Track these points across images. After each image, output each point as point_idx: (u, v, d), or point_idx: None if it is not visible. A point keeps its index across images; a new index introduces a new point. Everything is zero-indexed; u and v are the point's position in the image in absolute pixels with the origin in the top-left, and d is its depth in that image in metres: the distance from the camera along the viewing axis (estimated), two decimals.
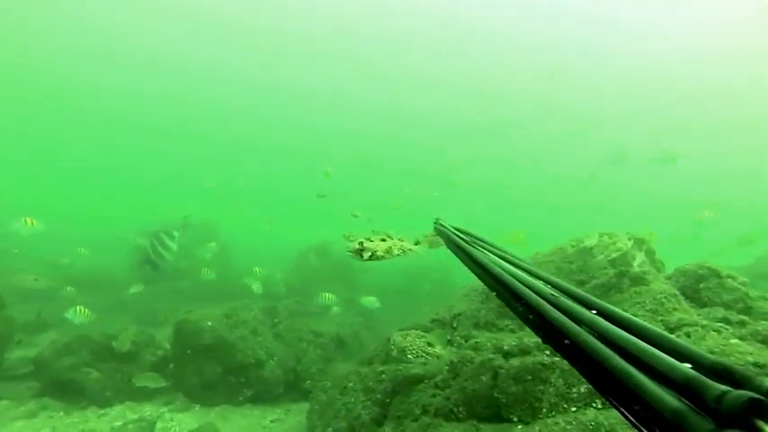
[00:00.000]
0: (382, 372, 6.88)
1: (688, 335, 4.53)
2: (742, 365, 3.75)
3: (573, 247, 7.00)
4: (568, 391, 4.65)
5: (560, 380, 4.72)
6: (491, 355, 5.34)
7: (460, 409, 5.13)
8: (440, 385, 5.58)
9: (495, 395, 4.95)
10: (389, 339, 6.88)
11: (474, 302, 7.82)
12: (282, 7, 44.85)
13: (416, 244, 5.21)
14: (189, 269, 14.54)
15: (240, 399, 8.92)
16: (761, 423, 0.74)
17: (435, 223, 3.17)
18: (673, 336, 1.14)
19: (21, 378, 8.59)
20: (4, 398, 8.13)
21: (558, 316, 1.28)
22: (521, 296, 1.48)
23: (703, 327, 4.57)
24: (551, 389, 4.70)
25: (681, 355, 1.01)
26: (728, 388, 0.81)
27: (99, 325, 9.16)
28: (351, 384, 7.34)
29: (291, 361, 9.57)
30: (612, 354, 1.06)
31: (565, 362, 4.77)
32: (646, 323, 1.20)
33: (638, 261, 6.11)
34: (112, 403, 8.33)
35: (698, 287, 5.70)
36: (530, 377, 4.83)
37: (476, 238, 2.58)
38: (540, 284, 1.55)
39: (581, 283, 6.37)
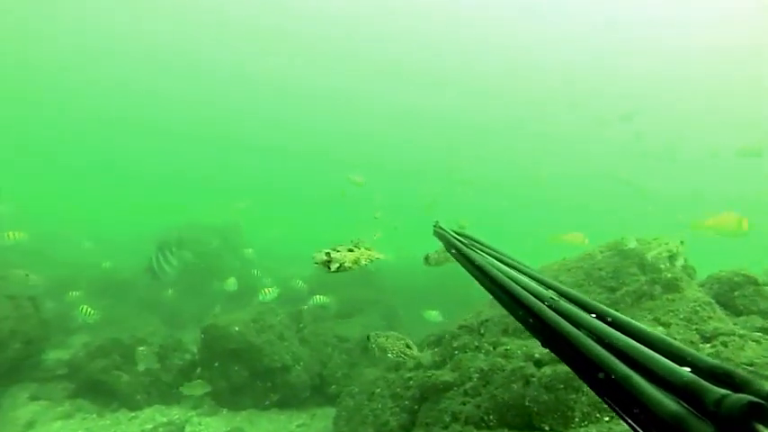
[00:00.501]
0: (410, 378, 6.94)
1: (725, 344, 4.53)
2: None
3: (601, 253, 7.05)
4: (600, 402, 4.70)
5: None
6: (522, 363, 5.38)
7: (491, 417, 5.17)
8: (470, 393, 5.62)
9: (527, 404, 4.97)
10: (368, 338, 7.15)
11: (502, 308, 7.88)
12: (284, 7, 45.04)
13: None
14: (218, 271, 14.72)
15: (266, 403, 9.02)
16: (760, 426, 0.75)
17: (434, 227, 3.18)
18: (672, 339, 1.13)
19: (56, 379, 8.81)
20: (43, 398, 8.33)
21: (558, 320, 1.30)
22: (520, 300, 1.52)
23: (741, 336, 4.55)
24: (584, 398, 4.71)
25: (680, 358, 1.03)
26: (728, 391, 0.82)
27: (128, 327, 9.36)
28: (378, 390, 7.41)
29: (317, 366, 9.66)
30: (612, 357, 1.08)
31: None
32: (645, 327, 1.21)
33: (680, 263, 6.18)
34: (142, 406, 8.48)
35: (732, 295, 5.65)
36: (562, 386, 4.84)
37: (474, 240, 2.58)
38: (539, 288, 1.59)
39: (611, 290, 6.39)
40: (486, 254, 2.25)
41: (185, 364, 9.31)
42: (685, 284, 5.76)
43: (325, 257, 3.09)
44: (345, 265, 3.13)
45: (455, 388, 5.97)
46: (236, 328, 8.95)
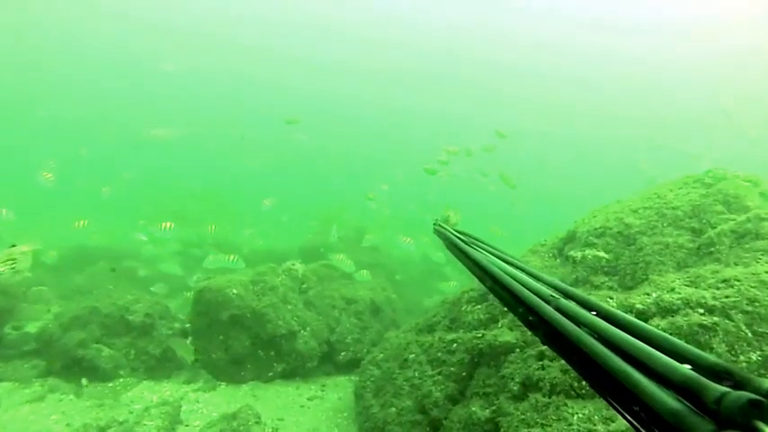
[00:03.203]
0: (453, 340, 5.90)
1: None
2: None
3: (671, 190, 6.05)
4: (735, 359, 3.73)
5: (723, 345, 3.78)
6: None
7: (583, 383, 4.18)
8: (548, 355, 4.60)
9: None
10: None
11: (546, 258, 6.86)
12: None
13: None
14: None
15: (270, 374, 7.92)
16: (760, 424, 0.72)
17: (435, 225, 3.11)
18: (672, 337, 1.06)
19: (23, 356, 7.43)
20: (6, 379, 7.00)
21: (558, 317, 1.27)
22: (520, 297, 1.49)
23: None
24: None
25: (680, 355, 0.98)
26: (728, 389, 0.79)
27: (105, 296, 7.99)
28: (412, 356, 6.37)
29: (325, 331, 8.55)
30: (612, 355, 1.05)
31: (730, 323, 3.84)
32: (645, 324, 1.15)
33: None
34: (128, 384, 7.21)
35: None
36: None
37: (474, 238, 2.55)
38: (539, 286, 1.54)
39: (694, 231, 5.42)
40: (486, 251, 2.18)
41: (175, 333, 8.09)
42: None
43: None
44: None
45: (518, 350, 4.96)
46: (234, 291, 7.74)
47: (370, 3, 46.53)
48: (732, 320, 3.79)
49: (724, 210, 5.47)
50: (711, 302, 3.93)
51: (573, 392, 4.20)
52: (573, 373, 4.25)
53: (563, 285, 1.57)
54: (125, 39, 46.66)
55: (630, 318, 1.19)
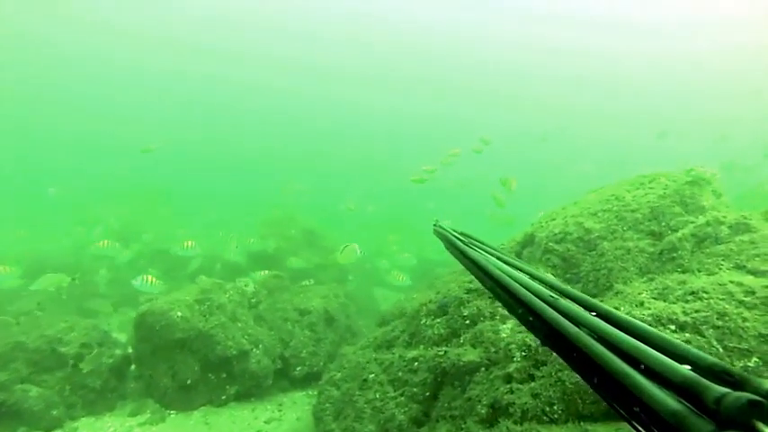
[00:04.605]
0: (414, 358, 5.62)
1: None
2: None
3: (629, 192, 5.95)
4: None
5: None
6: None
7: (555, 407, 3.97)
8: (516, 377, 4.37)
9: None
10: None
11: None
12: None
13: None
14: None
15: (223, 398, 7.43)
16: (760, 425, 0.72)
17: (434, 225, 3.10)
18: (671, 337, 1.07)
19: None
20: None
21: (557, 317, 1.26)
22: (520, 298, 1.48)
23: None
24: None
25: (680, 356, 0.99)
26: (728, 390, 0.79)
27: (31, 325, 7.21)
28: (372, 376, 6.05)
29: (278, 346, 8.12)
30: (612, 355, 1.04)
31: (702, 339, 3.71)
32: (644, 324, 1.16)
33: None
34: (62, 424, 6.55)
35: None
36: None
37: (474, 239, 2.54)
38: (538, 286, 1.52)
39: (654, 235, 5.32)
40: (486, 252, 2.13)
41: (116, 361, 7.45)
42: (757, 222, 4.74)
43: None
44: None
45: (483, 369, 4.73)
46: (179, 314, 7.18)
47: (363, 5, 46.03)
48: (704, 336, 3.66)
49: (682, 211, 5.40)
50: (683, 318, 3.79)
51: (545, 417, 3.99)
52: (544, 398, 4.04)
53: (562, 286, 1.58)
54: None
55: (630, 318, 1.20)
